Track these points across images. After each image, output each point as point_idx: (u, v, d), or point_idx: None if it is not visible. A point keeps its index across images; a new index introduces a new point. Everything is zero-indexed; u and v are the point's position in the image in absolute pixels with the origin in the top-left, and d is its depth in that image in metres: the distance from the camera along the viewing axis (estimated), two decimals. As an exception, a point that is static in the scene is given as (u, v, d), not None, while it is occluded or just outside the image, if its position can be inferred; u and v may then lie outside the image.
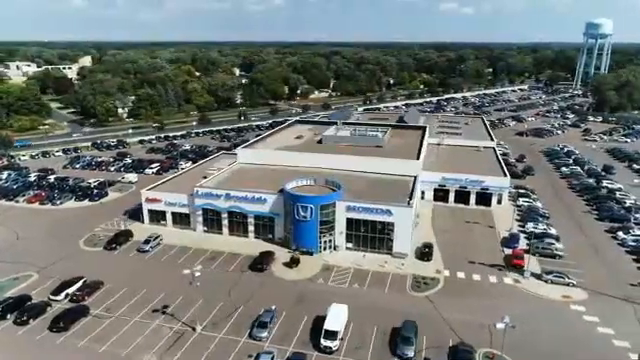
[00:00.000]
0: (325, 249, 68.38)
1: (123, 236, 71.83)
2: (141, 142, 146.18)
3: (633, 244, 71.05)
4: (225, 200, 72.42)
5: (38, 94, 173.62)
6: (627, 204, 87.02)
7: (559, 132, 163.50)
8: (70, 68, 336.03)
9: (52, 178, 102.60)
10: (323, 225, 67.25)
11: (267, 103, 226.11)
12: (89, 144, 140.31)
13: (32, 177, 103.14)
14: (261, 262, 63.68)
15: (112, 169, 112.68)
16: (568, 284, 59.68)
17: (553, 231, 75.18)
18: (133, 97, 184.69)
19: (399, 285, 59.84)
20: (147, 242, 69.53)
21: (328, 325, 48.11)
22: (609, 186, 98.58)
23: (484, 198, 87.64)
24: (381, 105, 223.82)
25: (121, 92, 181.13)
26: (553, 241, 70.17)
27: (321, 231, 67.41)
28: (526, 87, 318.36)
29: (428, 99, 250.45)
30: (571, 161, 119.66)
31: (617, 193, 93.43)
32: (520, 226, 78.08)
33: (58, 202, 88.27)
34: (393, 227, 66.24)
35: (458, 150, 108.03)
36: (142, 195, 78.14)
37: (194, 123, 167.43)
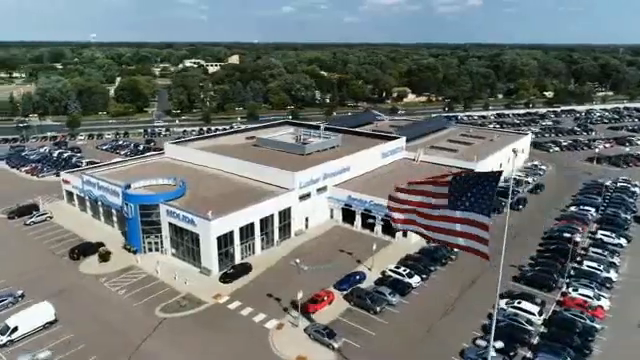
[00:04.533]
0: (151, 250, 67.15)
1: (27, 208, 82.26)
2: (184, 132, 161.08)
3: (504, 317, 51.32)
4: (97, 189, 76.65)
5: (137, 85, 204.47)
6: (583, 267, 62.58)
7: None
8: (216, 66, 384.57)
9: (65, 155, 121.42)
10: (148, 225, 66.13)
11: (350, 105, 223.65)
12: (141, 130, 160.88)
13: (55, 153, 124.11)
14: (75, 251, 66.09)
15: (122, 153, 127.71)
16: (328, 345, 47.13)
17: (413, 280, 59.08)
18: (211, 92, 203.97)
19: (158, 300, 55.57)
20: (32, 217, 78.52)
21: (9, 320, 48.33)
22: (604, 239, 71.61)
23: (390, 227, 73.11)
24: (463, 114, 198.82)
25: (199, 87, 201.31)
26: (386, 292, 55.37)
27: (145, 231, 66.41)
28: None
29: (534, 110, 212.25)
30: (599, 200, 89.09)
31: (590, 249, 67.50)
32: (397, 267, 63.34)
33: (40, 175, 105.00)
34: (199, 239, 61.48)
35: (426, 168, 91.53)
36: (61, 176, 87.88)
37: (239, 118, 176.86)
